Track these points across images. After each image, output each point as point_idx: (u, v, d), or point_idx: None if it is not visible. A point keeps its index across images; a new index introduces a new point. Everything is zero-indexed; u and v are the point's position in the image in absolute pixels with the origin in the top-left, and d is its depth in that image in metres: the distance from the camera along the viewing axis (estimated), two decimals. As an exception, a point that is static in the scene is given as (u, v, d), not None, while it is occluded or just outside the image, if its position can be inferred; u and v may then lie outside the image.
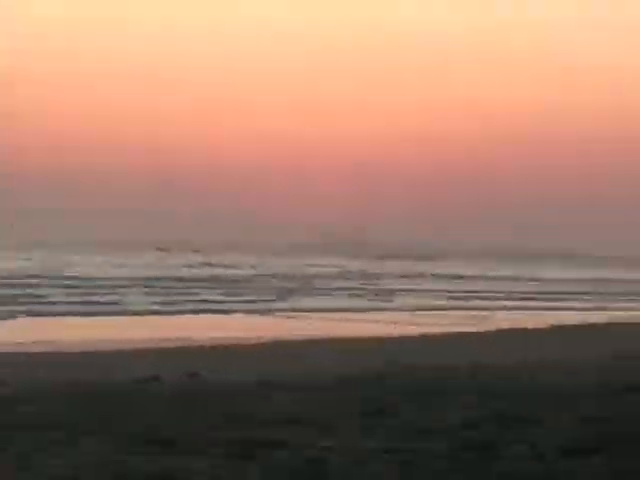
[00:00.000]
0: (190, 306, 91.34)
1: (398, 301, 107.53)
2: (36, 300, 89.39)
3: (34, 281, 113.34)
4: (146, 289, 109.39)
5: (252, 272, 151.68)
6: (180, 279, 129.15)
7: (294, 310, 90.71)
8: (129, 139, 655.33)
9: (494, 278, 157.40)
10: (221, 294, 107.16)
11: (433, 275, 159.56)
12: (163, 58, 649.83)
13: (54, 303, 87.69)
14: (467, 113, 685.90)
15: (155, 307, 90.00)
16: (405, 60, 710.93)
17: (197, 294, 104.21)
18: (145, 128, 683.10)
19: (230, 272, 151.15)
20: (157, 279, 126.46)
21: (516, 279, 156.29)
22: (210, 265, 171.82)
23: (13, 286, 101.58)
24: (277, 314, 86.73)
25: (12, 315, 75.73)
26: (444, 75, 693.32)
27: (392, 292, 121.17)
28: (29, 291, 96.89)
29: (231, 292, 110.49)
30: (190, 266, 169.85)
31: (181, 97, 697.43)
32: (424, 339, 61.37)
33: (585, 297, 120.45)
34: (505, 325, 75.16)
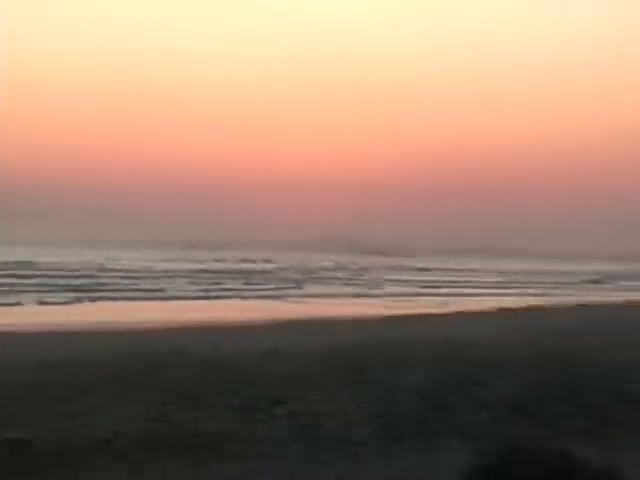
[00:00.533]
0: (218, 293, 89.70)
1: (383, 289, 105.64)
2: (97, 288, 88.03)
3: (95, 272, 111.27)
4: (184, 279, 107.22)
5: (270, 266, 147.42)
6: (210, 271, 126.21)
7: (302, 296, 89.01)
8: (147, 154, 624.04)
9: (456, 270, 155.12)
10: (243, 283, 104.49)
11: (409, 268, 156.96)
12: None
13: (112, 290, 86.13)
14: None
15: (192, 293, 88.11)
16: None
17: (223, 283, 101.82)
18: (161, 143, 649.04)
19: (249, 266, 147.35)
20: (193, 271, 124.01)
21: (473, 271, 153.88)
22: (234, 260, 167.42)
23: (78, 277, 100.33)
24: (289, 299, 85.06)
25: (79, 300, 75.03)
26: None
27: (378, 282, 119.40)
28: (92, 280, 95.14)
29: (251, 281, 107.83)
30: (218, 260, 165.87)
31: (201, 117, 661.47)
32: (402, 318, 60.96)
33: (526, 285, 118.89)
34: (464, 308, 74.52)
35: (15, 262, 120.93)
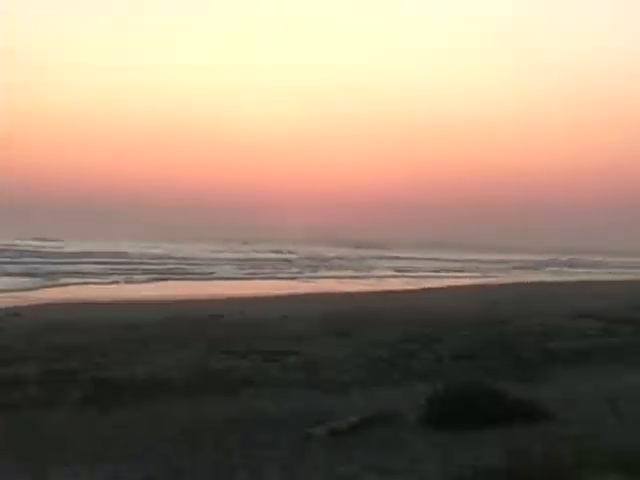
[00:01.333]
0: (255, 275, 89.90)
1: (370, 272, 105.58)
2: (167, 271, 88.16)
3: (166, 260, 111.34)
4: (231, 265, 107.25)
5: (293, 256, 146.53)
6: (249, 259, 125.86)
7: (316, 277, 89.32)
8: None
9: (423, 259, 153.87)
10: (273, 268, 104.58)
11: (389, 257, 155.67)
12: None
13: (178, 273, 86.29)
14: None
15: (236, 276, 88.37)
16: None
17: (259, 268, 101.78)
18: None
19: (278, 255, 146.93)
20: (237, 259, 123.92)
21: (436, 260, 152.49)
22: (267, 251, 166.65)
23: (155, 263, 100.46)
24: (305, 279, 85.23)
25: (155, 280, 75.77)
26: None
27: (367, 267, 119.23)
28: (164, 266, 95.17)
29: (279, 267, 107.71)
30: (255, 251, 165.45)
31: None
32: (382, 293, 60.82)
33: (476, 269, 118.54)
34: (428, 286, 74.34)
35: (112, 252, 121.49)
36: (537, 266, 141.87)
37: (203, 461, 13.49)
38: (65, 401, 19.32)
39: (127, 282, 73.55)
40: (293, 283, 78.21)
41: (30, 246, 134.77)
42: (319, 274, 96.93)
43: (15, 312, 37.41)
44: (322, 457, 13.27)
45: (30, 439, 15.81)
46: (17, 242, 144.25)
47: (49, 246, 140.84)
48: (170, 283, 74.20)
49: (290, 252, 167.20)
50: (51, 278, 71.61)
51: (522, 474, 10.17)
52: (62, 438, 15.78)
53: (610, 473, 10.33)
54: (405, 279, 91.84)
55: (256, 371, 22.81)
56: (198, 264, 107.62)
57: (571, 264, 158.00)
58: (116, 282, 73.16)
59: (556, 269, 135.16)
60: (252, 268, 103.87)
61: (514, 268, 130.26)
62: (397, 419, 16.17)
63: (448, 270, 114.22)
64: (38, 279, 69.39)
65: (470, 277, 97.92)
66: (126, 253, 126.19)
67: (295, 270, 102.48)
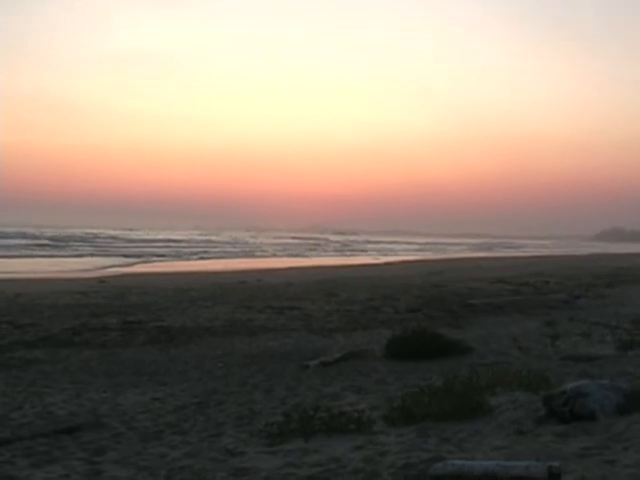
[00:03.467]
0: (271, 254, 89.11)
1: (347, 252, 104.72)
2: (204, 251, 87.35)
3: (197, 243, 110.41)
4: (250, 248, 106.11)
5: (296, 241, 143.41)
6: (267, 244, 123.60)
7: (313, 256, 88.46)
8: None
9: (385, 242, 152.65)
10: (282, 249, 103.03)
11: (360, 241, 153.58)
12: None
13: (205, 252, 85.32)
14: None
15: (256, 254, 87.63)
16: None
17: (272, 250, 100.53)
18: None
19: (284, 240, 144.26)
20: (256, 243, 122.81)
21: (395, 243, 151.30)
22: (278, 237, 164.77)
23: (190, 246, 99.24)
24: (305, 257, 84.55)
25: (201, 258, 74.77)
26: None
27: (345, 248, 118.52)
28: (198, 248, 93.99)
29: (287, 248, 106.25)
30: (270, 237, 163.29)
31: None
32: (356, 266, 60.55)
33: (421, 249, 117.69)
34: (388, 260, 74.18)
35: (171, 239, 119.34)
36: (474, 248, 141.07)
37: (232, 384, 13.57)
38: (136, 342, 19.38)
39: (182, 259, 72.78)
40: (295, 259, 78.00)
41: (120, 234, 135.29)
42: (313, 253, 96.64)
43: (102, 280, 37.43)
44: (315, 381, 13.33)
45: (113, 367, 15.86)
46: (110, 231, 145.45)
47: (132, 234, 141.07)
48: (212, 261, 73.41)
49: (295, 238, 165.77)
50: (129, 256, 71.46)
51: (452, 390, 10.27)
52: (134, 367, 15.87)
53: (515, 390, 10.43)
54: (372, 255, 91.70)
55: (269, 321, 22.76)
56: (228, 246, 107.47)
57: (503, 246, 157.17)
58: (174, 259, 72.39)
59: (487, 249, 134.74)
60: (264, 249, 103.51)
61: (455, 249, 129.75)
62: (368, 354, 16.16)
63: (402, 250, 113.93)
64: (120, 258, 69.10)
65: (418, 254, 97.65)
66: (180, 240, 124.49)
67: (296, 250, 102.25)
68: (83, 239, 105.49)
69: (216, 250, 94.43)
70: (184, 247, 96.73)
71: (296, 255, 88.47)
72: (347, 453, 8.15)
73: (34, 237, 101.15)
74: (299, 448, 8.52)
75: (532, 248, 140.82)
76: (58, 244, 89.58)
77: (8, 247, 77.11)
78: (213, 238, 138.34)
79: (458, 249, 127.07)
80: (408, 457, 7.73)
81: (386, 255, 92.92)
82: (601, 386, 8.83)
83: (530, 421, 8.68)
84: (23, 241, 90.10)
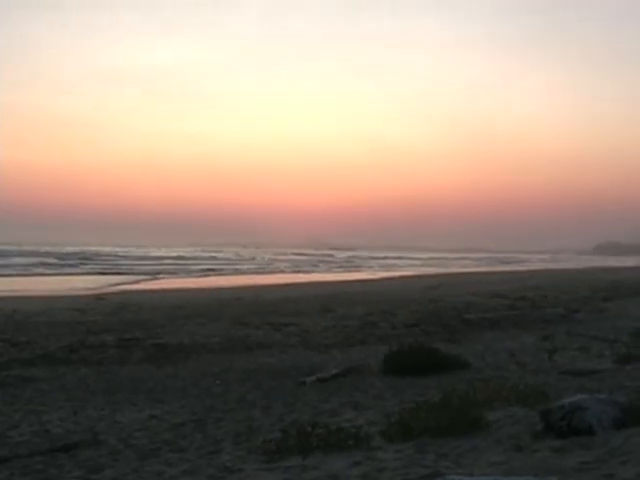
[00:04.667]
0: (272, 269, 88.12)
1: (344, 267, 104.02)
2: (208, 268, 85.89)
3: (198, 260, 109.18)
4: (249, 264, 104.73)
5: (300, 257, 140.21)
6: (268, 260, 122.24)
7: (305, 271, 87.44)
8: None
9: (383, 258, 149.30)
10: (287, 266, 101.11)
11: (359, 257, 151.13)
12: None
13: (212, 270, 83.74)
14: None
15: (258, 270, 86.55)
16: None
17: (275, 265, 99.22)
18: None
19: (286, 257, 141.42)
20: (251, 259, 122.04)
21: (393, 258, 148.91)
22: (282, 253, 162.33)
23: (195, 264, 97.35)
24: (298, 272, 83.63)
25: (205, 275, 73.40)
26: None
27: (341, 263, 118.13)
28: (200, 266, 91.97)
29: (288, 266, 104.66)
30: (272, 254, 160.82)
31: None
32: (352, 282, 60.36)
33: (419, 264, 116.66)
34: (386, 276, 73.97)
35: (175, 256, 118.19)
36: (473, 263, 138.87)
37: (229, 401, 13.56)
38: (133, 359, 19.39)
39: (182, 276, 71.85)
40: (291, 275, 77.63)
41: (122, 251, 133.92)
42: (309, 269, 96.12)
43: (100, 297, 37.39)
44: (312, 397, 13.32)
45: (110, 385, 15.85)
46: (117, 249, 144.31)
47: (137, 251, 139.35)
48: (214, 278, 72.12)
49: (299, 254, 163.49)
50: (135, 274, 70.51)
51: (449, 405, 10.24)
52: (131, 385, 15.87)
53: (513, 404, 10.41)
54: (369, 271, 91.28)
55: (266, 337, 22.75)
56: (228, 263, 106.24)
57: (501, 261, 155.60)
58: (172, 276, 71.53)
59: (487, 263, 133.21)
60: (262, 265, 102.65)
61: (455, 264, 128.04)
62: (365, 370, 16.17)
63: (400, 265, 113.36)
64: (125, 276, 68.03)
65: (414, 269, 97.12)
66: (183, 256, 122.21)
67: (293, 266, 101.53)
68: (87, 257, 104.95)
69: (219, 267, 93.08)
70: (189, 264, 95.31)
71: (297, 271, 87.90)
72: (345, 469, 8.12)
73: (38, 255, 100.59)
74: (297, 465, 8.49)
75: (530, 262, 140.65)
76: (65, 262, 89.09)
77: (13, 266, 76.62)
78: (217, 255, 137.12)
79: (458, 264, 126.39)
80: (406, 473, 7.70)
81: (386, 270, 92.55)
82: (599, 400, 8.81)
83: (528, 436, 8.66)
84: (32, 259, 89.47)
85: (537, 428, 8.78)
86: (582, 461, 7.36)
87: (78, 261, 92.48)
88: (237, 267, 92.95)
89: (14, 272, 68.45)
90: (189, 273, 75.84)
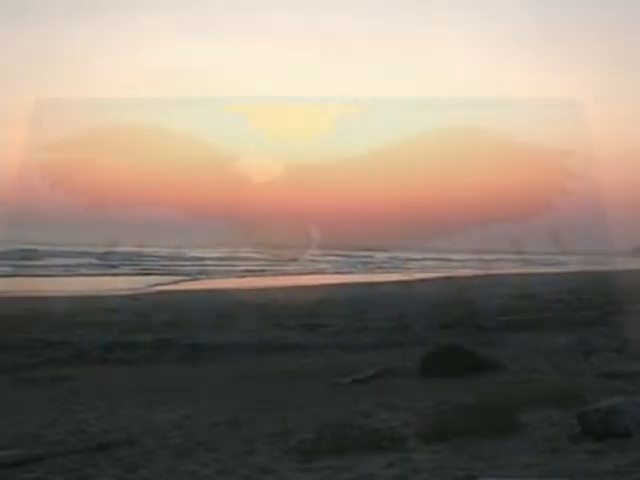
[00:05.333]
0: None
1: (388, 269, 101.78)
2: (247, 269, 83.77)
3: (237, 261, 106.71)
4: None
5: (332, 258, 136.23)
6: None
7: (338, 272, 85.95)
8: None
9: (410, 260, 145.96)
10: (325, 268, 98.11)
11: (390, 258, 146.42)
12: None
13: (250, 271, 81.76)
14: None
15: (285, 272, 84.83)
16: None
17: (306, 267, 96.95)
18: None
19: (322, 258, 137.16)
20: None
21: (431, 259, 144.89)
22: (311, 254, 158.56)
23: (233, 265, 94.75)
24: (322, 275, 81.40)
25: (243, 276, 71.71)
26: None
27: (373, 264, 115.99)
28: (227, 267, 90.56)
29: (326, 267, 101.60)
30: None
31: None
32: (386, 283, 59.39)
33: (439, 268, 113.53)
34: (419, 277, 72.56)
35: (212, 257, 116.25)
36: (510, 265, 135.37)
37: (265, 400, 13.57)
38: (167, 359, 19.50)
39: (220, 277, 71.22)
40: (328, 276, 76.73)
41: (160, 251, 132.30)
42: (347, 269, 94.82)
43: (137, 297, 37.56)
44: (347, 398, 13.31)
45: (145, 384, 15.90)
46: (156, 249, 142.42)
47: (173, 252, 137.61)
48: (248, 278, 71.05)
49: (331, 254, 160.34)
50: (171, 274, 70.20)
51: (485, 407, 10.21)
52: (165, 385, 15.92)
53: (549, 407, 10.35)
54: (396, 273, 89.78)
55: (301, 338, 22.76)
56: (266, 264, 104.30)
57: (537, 262, 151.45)
58: (211, 277, 71.21)
59: (525, 264, 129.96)
60: (300, 266, 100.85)
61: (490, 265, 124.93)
62: (400, 372, 16.17)
63: (438, 267, 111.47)
64: (167, 277, 67.64)
65: (437, 272, 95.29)
66: (222, 257, 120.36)
67: (330, 267, 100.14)
68: (128, 257, 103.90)
69: (258, 268, 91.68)
70: (228, 265, 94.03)
71: (335, 272, 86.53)
72: (380, 470, 8.12)
73: (78, 255, 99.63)
74: (332, 465, 8.49)
75: (566, 264, 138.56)
76: (106, 262, 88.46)
77: (53, 266, 76.49)
78: (254, 256, 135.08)
79: (494, 266, 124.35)
80: (441, 474, 7.68)
81: (423, 271, 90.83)
82: (636, 403, 8.77)
83: (564, 438, 8.62)
84: (72, 260, 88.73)
85: (573, 431, 8.74)
86: (618, 464, 7.32)
87: (119, 262, 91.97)
88: (274, 268, 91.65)
89: (54, 273, 68.56)
90: (227, 274, 75.11)
